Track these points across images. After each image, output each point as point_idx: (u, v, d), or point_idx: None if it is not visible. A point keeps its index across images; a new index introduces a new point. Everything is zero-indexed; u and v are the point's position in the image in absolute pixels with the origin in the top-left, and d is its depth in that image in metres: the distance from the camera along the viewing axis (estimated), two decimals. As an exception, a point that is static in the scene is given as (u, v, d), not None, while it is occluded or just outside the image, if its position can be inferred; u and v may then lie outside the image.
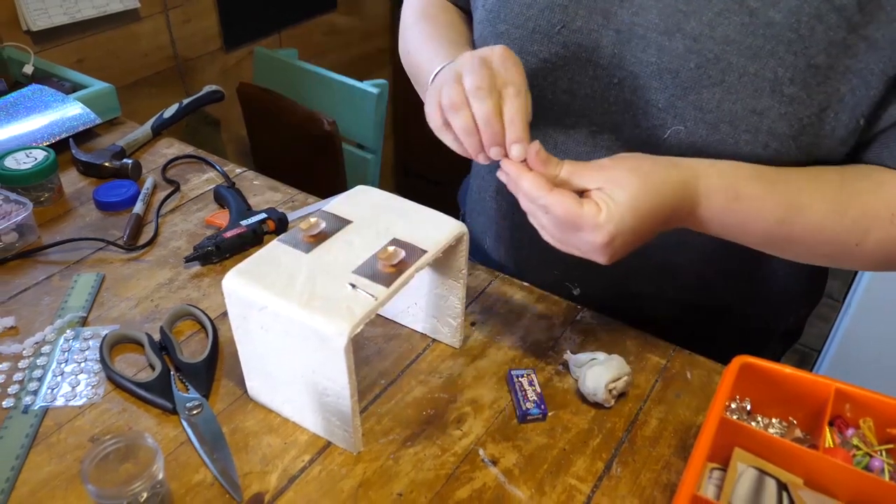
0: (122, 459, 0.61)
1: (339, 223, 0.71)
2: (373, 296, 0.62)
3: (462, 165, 1.07)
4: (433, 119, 0.68)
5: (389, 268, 0.65)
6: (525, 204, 0.65)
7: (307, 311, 0.61)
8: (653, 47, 0.69)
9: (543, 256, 0.89)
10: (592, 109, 0.76)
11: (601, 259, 0.65)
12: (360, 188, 0.76)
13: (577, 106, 0.76)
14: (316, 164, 1.65)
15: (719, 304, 0.89)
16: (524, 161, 0.64)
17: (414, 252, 0.67)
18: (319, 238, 0.69)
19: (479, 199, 0.97)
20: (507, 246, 0.94)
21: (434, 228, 0.71)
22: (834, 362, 1.94)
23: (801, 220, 0.67)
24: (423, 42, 0.84)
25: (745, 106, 0.66)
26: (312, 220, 0.70)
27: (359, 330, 0.60)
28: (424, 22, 0.87)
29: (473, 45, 0.83)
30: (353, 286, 0.63)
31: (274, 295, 0.62)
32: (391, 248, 0.67)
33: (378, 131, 1.68)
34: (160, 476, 0.59)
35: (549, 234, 0.66)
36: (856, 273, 1.85)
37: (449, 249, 0.71)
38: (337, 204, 0.74)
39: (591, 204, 0.62)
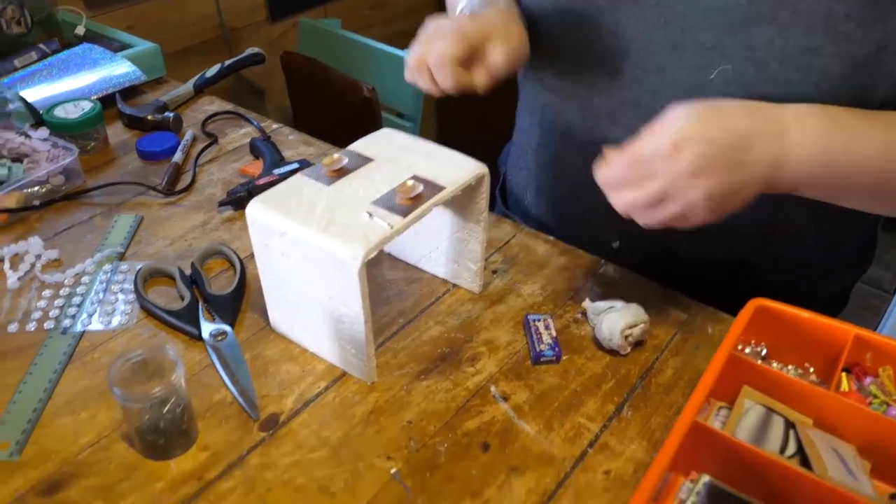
0: (147, 372, 0.64)
1: (362, 160, 0.73)
2: (389, 224, 0.64)
3: (503, 136, 1.09)
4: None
5: (407, 200, 0.67)
6: (611, 196, 0.65)
7: (324, 237, 0.63)
8: None
9: (584, 209, 0.90)
10: (637, 51, 0.75)
11: (685, 175, 0.59)
12: (384, 130, 0.78)
13: (622, 48, 0.76)
14: (355, 132, 1.67)
15: (761, 267, 0.88)
16: None
17: (433, 188, 0.69)
18: (341, 173, 0.71)
19: (521, 153, 0.97)
20: (548, 198, 0.94)
21: (455, 168, 0.72)
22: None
23: None
24: None
25: (797, 43, 0.64)
26: (336, 156, 0.72)
27: (373, 255, 0.62)
28: None
29: None
30: (370, 215, 0.65)
31: (294, 221, 0.65)
32: (410, 182, 0.68)
33: (417, 100, 1.70)
34: (181, 384, 0.61)
35: (632, 198, 0.63)
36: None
37: (469, 191, 0.73)
38: (361, 144, 0.76)
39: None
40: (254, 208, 0.67)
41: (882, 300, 1.93)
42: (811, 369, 0.66)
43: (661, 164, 0.60)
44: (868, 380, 0.64)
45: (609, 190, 0.65)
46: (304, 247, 0.64)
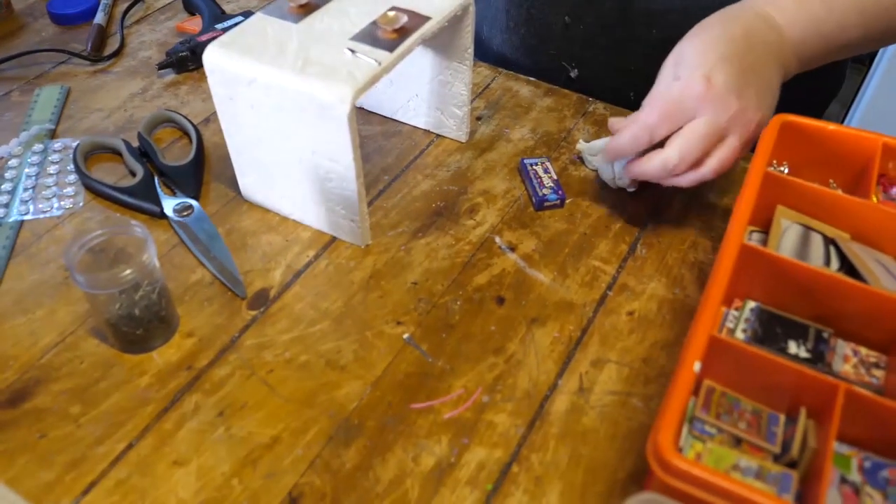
0: (113, 259, 0.56)
1: (329, -6, 0.63)
2: (376, 61, 0.55)
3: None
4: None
5: (391, 33, 0.58)
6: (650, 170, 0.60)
7: (303, 78, 0.54)
8: None
9: (540, 34, 0.85)
10: None
11: (730, 98, 0.57)
12: (348, -40, 0.68)
13: None
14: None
15: None
16: None
17: (417, 18, 0.60)
18: (309, 8, 0.61)
19: None
20: (505, 28, 0.87)
21: (436, -3, 0.63)
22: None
23: None
24: None
25: None
26: (298, -11, 0.62)
27: (362, 96, 0.54)
28: None
29: None
30: (353, 52, 0.56)
31: (264, 64, 0.55)
32: (391, 14, 0.59)
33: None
34: (154, 264, 0.53)
35: (686, 146, 0.58)
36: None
37: (453, 22, 0.64)
38: (324, -24, 0.65)
39: None
40: (213, 54, 0.57)
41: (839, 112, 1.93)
42: (835, 184, 0.62)
43: (699, 102, 0.57)
44: (894, 189, 0.61)
45: (648, 159, 0.60)
46: (278, 94, 0.55)
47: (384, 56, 0.56)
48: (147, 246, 0.53)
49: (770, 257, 0.50)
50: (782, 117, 0.59)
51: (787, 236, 0.54)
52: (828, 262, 0.53)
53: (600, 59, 0.83)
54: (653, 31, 0.78)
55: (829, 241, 0.54)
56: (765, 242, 0.55)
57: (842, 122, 1.86)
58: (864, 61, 1.84)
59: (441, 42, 0.67)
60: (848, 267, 0.52)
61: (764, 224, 0.58)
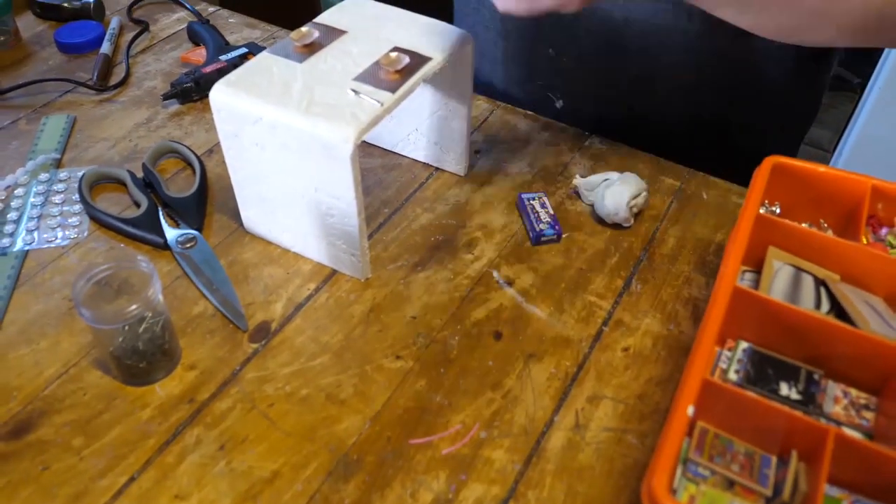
0: (117, 291, 0.57)
1: (334, 34, 0.64)
2: (378, 101, 0.57)
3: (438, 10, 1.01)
4: None
5: (393, 74, 0.59)
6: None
7: (308, 119, 0.55)
8: None
9: (526, 66, 0.87)
10: None
11: None
12: (353, 0, 0.69)
13: None
14: (291, 10, 1.54)
15: (704, 121, 0.85)
16: None
17: (419, 59, 0.61)
18: (313, 48, 0.62)
19: (461, 17, 0.93)
20: (492, 60, 0.90)
21: (437, 37, 0.64)
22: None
23: None
24: None
25: None
26: (304, 29, 0.63)
27: (365, 137, 0.55)
28: None
29: None
30: (356, 92, 0.57)
31: (269, 104, 0.57)
32: (394, 55, 0.60)
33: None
34: (158, 299, 0.54)
35: None
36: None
37: (453, 61, 0.65)
38: (329, 15, 0.67)
39: None
40: (220, 93, 0.58)
41: (823, 160, 1.96)
42: (825, 225, 0.64)
43: None
44: (884, 230, 0.62)
45: None
46: (283, 133, 0.57)
47: (386, 97, 0.57)
48: (152, 281, 0.54)
49: (762, 300, 0.51)
50: (774, 159, 0.61)
51: (778, 277, 0.55)
52: (818, 303, 0.54)
53: (583, 90, 0.85)
54: (629, 67, 0.81)
55: (819, 283, 0.55)
56: (757, 282, 0.56)
57: (833, 149, 1.88)
58: (856, 88, 1.86)
59: (442, 79, 0.69)
60: (838, 308, 0.54)
61: (756, 263, 0.59)
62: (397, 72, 0.59)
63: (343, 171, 0.56)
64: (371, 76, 0.59)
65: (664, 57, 0.79)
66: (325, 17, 0.66)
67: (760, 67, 0.80)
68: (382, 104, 0.57)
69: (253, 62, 0.61)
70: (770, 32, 0.60)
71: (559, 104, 0.87)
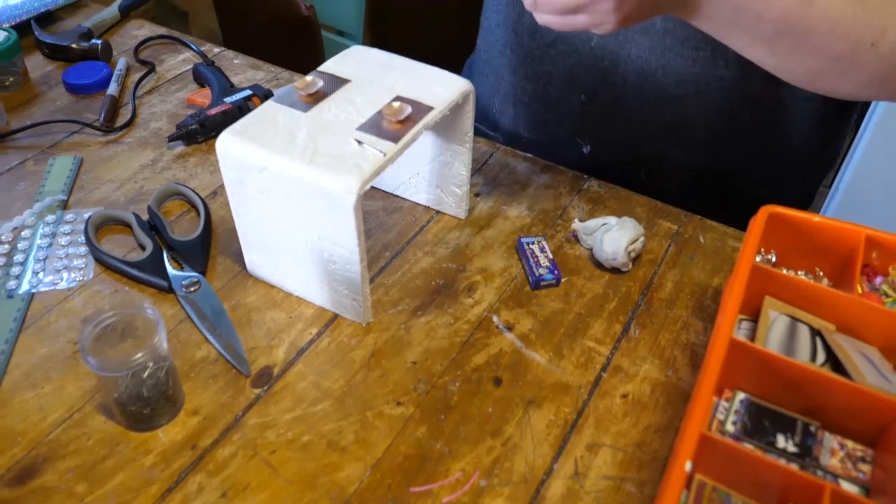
0: (121, 335, 0.58)
1: (338, 83, 0.66)
2: (381, 152, 0.58)
3: (449, 54, 1.02)
4: None
5: (396, 124, 0.61)
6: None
7: (312, 169, 0.56)
8: None
9: (555, 109, 0.86)
10: None
11: (612, 18, 0.55)
12: (355, 48, 0.71)
13: None
14: (293, 54, 1.56)
15: (728, 169, 0.86)
16: None
17: (420, 109, 0.63)
18: (317, 97, 0.64)
19: (487, 59, 0.92)
20: (517, 103, 0.90)
21: (439, 86, 0.66)
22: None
23: (820, 3, 0.56)
24: None
25: None
26: (308, 78, 0.64)
27: (367, 187, 0.56)
28: None
29: None
30: (360, 142, 0.59)
31: (274, 153, 0.58)
32: (396, 104, 0.62)
33: (358, 16, 1.59)
34: (163, 346, 0.55)
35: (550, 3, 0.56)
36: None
37: (454, 110, 0.67)
38: (333, 64, 0.68)
39: None
40: (226, 141, 0.59)
41: (820, 194, 1.97)
42: (821, 273, 0.65)
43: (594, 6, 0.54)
44: (878, 279, 0.63)
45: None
46: (288, 182, 0.58)
47: (389, 147, 0.58)
48: (158, 329, 0.55)
49: (758, 352, 0.52)
50: (769, 208, 0.62)
51: (775, 327, 0.56)
52: (814, 354, 0.55)
53: (613, 137, 0.85)
54: (665, 116, 0.81)
55: (815, 333, 0.56)
56: (754, 332, 0.57)
57: (830, 185, 1.89)
58: (851, 127, 1.88)
59: (443, 126, 0.70)
60: (834, 359, 0.54)
61: (753, 312, 0.60)
62: (400, 122, 0.61)
63: (346, 220, 0.57)
64: (374, 126, 0.61)
65: (699, 104, 0.79)
66: (328, 66, 0.68)
67: (789, 117, 0.81)
68: (385, 154, 0.58)
69: (258, 111, 0.62)
70: (797, 77, 0.63)
71: (586, 149, 0.87)
